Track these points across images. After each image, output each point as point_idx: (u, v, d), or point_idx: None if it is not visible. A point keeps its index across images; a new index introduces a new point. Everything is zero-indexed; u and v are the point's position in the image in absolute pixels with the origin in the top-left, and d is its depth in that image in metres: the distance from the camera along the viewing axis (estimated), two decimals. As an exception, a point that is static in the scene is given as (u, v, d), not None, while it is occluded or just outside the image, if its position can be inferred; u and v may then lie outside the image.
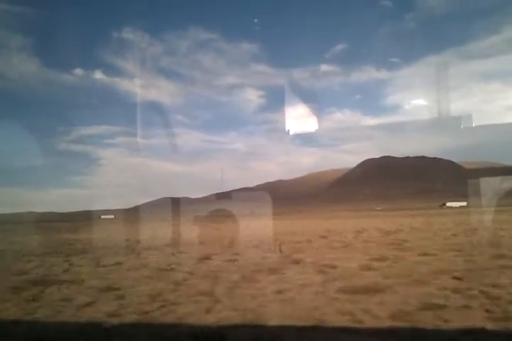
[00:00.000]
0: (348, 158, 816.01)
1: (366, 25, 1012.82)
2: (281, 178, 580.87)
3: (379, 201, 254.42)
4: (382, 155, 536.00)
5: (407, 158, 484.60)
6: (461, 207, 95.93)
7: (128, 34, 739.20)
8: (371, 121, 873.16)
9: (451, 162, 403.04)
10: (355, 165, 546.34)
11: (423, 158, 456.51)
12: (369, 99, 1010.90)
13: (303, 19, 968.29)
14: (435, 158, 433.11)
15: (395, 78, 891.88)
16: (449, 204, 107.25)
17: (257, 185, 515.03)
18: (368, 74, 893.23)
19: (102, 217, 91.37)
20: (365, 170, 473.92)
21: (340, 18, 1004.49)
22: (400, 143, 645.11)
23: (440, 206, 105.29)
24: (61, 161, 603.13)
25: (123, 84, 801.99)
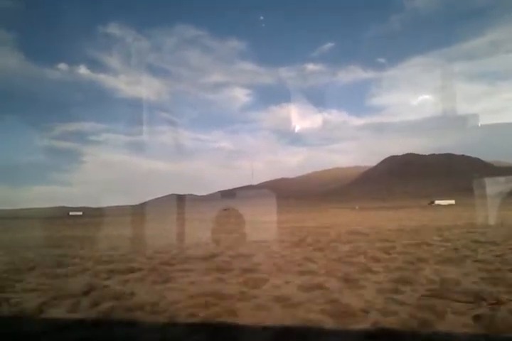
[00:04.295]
0: (335, 157, 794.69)
1: (353, 26, 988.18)
2: (280, 177, 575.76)
3: (415, 199, 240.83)
4: (370, 154, 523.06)
5: (433, 155, 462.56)
6: (449, 205, 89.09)
7: (114, 30, 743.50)
8: (357, 120, 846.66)
9: (479, 159, 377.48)
10: (344, 164, 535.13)
11: (450, 155, 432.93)
12: (355, 99, 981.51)
13: (291, 18, 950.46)
14: (463, 155, 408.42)
15: (381, 78, 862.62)
16: (437, 202, 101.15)
17: (262, 183, 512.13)
18: (354, 74, 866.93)
19: (71, 213, 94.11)
20: (390, 168, 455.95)
21: (328, 18, 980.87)
22: (386, 143, 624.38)
23: (429, 204, 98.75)
24: (44, 158, 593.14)
25: (108, 81, 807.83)
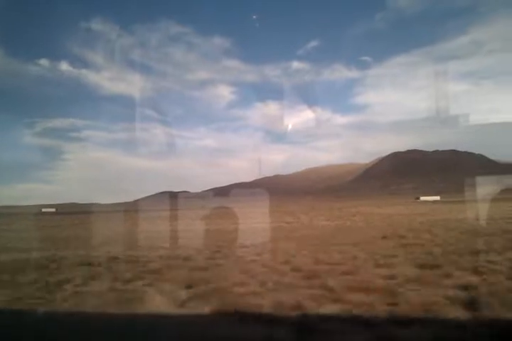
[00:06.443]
0: (321, 154, 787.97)
1: (338, 25, 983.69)
2: (273, 174, 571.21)
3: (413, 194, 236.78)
4: (354, 151, 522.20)
5: (436, 151, 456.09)
6: (434, 201, 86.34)
7: (97, 25, 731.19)
8: (341, 119, 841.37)
9: (483, 156, 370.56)
10: (333, 161, 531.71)
11: (454, 152, 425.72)
12: (339, 97, 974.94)
13: (276, 16, 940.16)
14: (466, 151, 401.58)
15: (365, 77, 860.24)
16: (422, 198, 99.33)
17: (258, 179, 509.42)
18: (339, 72, 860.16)
19: (43, 210, 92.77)
20: (392, 164, 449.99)
21: (313, 16, 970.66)
22: (371, 141, 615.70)
23: (415, 199, 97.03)
24: (24, 155, 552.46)
25: (91, 77, 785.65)
